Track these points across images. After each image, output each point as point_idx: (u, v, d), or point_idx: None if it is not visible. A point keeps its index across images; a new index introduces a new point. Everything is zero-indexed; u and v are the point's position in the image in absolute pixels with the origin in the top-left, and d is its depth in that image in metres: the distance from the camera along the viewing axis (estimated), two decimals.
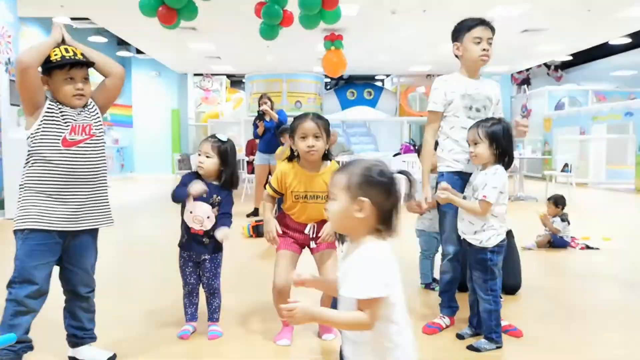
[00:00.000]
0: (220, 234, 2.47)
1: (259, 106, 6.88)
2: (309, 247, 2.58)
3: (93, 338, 2.36)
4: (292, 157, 2.50)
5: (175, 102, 15.89)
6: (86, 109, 2.27)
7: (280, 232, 2.50)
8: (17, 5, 7.37)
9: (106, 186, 2.34)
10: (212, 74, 16.80)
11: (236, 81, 18.85)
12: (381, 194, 1.36)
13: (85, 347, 2.33)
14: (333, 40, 10.04)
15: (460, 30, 2.69)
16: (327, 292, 1.50)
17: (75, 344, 2.32)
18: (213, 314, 2.67)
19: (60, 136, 2.14)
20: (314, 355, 2.44)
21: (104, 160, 2.33)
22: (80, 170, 2.18)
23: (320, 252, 2.52)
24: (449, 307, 2.78)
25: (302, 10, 5.62)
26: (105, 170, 2.34)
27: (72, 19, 10.68)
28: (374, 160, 1.44)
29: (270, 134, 6.75)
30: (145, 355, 2.44)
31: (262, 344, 2.56)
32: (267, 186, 2.56)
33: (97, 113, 2.32)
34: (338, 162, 2.65)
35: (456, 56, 2.75)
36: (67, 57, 2.20)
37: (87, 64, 2.27)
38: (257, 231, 5.45)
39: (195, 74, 16.85)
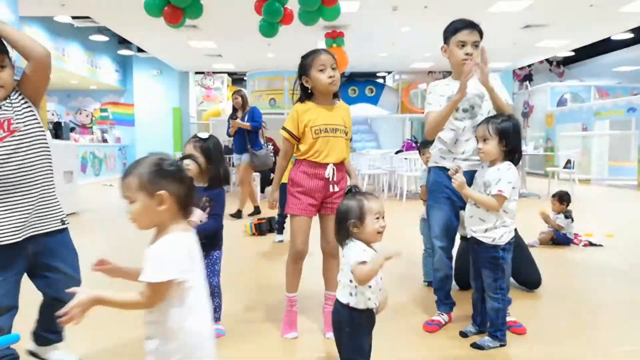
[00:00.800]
0: (195, 217, 2.34)
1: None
2: (322, 204, 2.52)
3: (62, 340, 2.26)
4: (303, 97, 2.51)
5: (177, 101, 15.89)
6: (6, 101, 1.96)
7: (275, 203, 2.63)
8: (18, 4, 7.37)
9: (49, 187, 2.06)
10: (214, 72, 16.80)
11: (237, 79, 18.85)
12: (174, 182, 1.44)
13: (53, 351, 2.24)
14: (334, 38, 10.03)
15: (447, 33, 2.66)
16: (130, 279, 1.55)
17: (43, 344, 2.23)
18: (214, 313, 2.67)
19: None
20: (318, 353, 2.43)
21: (42, 158, 2.03)
22: (6, 174, 1.90)
23: (327, 215, 2.50)
24: (445, 304, 2.79)
25: (302, 7, 5.61)
26: (46, 169, 2.05)
27: (73, 17, 10.69)
28: (156, 154, 1.50)
29: (242, 134, 6.57)
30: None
31: (267, 341, 2.56)
32: (282, 130, 2.52)
33: (24, 105, 2.00)
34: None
35: (447, 58, 2.72)
36: None
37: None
38: (260, 229, 5.45)
39: (196, 72, 16.85)
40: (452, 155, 2.67)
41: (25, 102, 2.03)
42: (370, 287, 1.76)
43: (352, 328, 1.79)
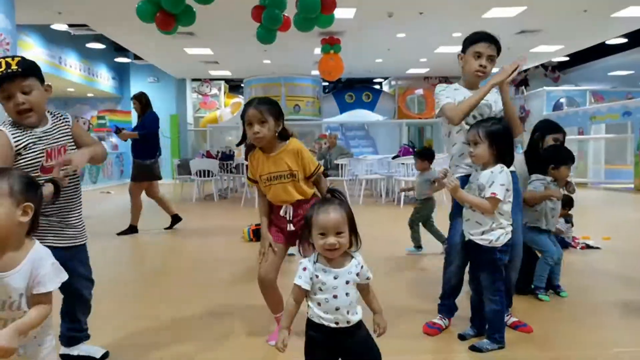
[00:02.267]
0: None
1: None
2: (291, 236, 2.54)
3: (88, 337, 2.42)
4: (250, 147, 2.61)
5: (174, 108, 15.90)
6: (55, 125, 2.17)
7: (275, 249, 2.53)
8: (14, 12, 7.38)
9: (80, 206, 2.33)
10: (210, 79, 16.84)
11: (234, 86, 18.89)
12: (37, 197, 1.54)
13: (81, 345, 2.39)
14: (332, 44, 10.08)
15: (466, 42, 2.70)
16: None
17: (71, 343, 2.37)
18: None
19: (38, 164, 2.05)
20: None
21: (78, 179, 2.29)
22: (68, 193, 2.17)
23: (304, 247, 2.51)
24: (449, 310, 2.79)
25: (302, 13, 5.63)
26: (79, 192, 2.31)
27: (70, 25, 10.71)
28: (16, 168, 1.61)
29: (145, 140, 6.04)
30: (138, 357, 2.44)
31: (256, 344, 2.55)
32: (247, 180, 2.64)
33: (68, 127, 2.23)
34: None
35: (461, 66, 2.75)
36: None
37: (23, 74, 2.01)
38: (258, 235, 5.44)
39: (193, 79, 16.88)
40: (465, 161, 2.65)
41: (68, 125, 2.24)
42: (319, 304, 1.67)
43: (306, 340, 1.74)
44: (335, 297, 1.65)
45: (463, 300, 2.86)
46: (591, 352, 2.47)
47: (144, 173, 6.03)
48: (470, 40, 2.66)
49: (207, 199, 10.12)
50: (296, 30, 6.28)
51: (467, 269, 2.72)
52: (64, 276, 1.58)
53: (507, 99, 2.62)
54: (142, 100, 6.20)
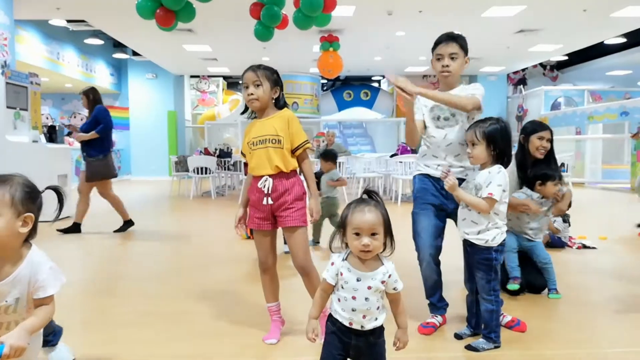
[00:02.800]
0: None
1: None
2: (272, 218, 2.53)
3: (57, 342, 2.30)
4: (251, 114, 2.60)
5: (172, 104, 15.87)
6: None
7: (237, 225, 2.60)
8: (13, 7, 7.36)
9: None
10: (209, 76, 16.80)
11: (232, 83, 18.85)
12: (37, 206, 1.55)
13: (50, 353, 2.29)
14: (331, 42, 10.06)
15: (432, 47, 2.76)
16: None
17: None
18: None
19: None
20: (298, 357, 2.44)
21: None
22: None
23: (285, 227, 2.51)
24: (439, 307, 2.81)
25: (305, 11, 5.60)
26: None
27: (69, 21, 10.68)
28: (19, 175, 1.55)
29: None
30: (128, 354, 2.44)
31: (253, 343, 2.56)
32: (240, 154, 2.62)
33: None
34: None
35: None
36: None
37: None
38: None
39: (191, 76, 16.85)
40: (436, 161, 2.71)
41: None
42: (339, 300, 1.68)
43: (325, 329, 1.75)
44: (354, 298, 1.64)
45: (458, 299, 2.86)
46: (586, 351, 2.48)
47: (100, 171, 5.79)
48: (434, 44, 2.73)
49: (205, 196, 10.12)
50: (295, 28, 6.27)
51: (462, 269, 2.72)
52: (63, 278, 1.61)
53: (431, 96, 2.61)
54: (89, 96, 5.94)
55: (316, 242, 5.07)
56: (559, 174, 3.22)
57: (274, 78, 2.49)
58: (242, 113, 2.65)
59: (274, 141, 2.43)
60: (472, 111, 2.62)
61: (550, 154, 3.37)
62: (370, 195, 1.72)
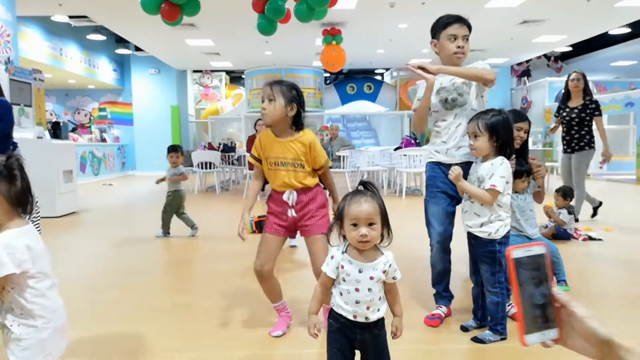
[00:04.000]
0: None
1: None
2: (294, 227, 2.54)
3: None
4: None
5: (175, 99, 15.88)
6: None
7: (245, 236, 2.50)
8: (15, 3, 7.36)
9: None
10: (212, 70, 16.79)
11: (235, 77, 18.85)
12: (4, 183, 1.55)
13: None
14: (333, 35, 10.02)
15: (436, 28, 2.71)
16: None
17: None
18: None
19: None
20: (307, 349, 2.45)
21: None
22: None
23: (309, 236, 2.51)
24: (444, 297, 2.82)
25: (312, 4, 5.56)
26: None
27: (71, 17, 10.67)
28: None
29: None
30: (141, 350, 2.46)
31: (259, 336, 2.57)
32: (249, 157, 2.59)
33: None
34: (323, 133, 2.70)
35: (436, 53, 2.75)
36: None
37: None
38: (260, 226, 5.45)
39: (194, 71, 16.85)
40: (445, 146, 2.72)
41: None
42: (341, 294, 1.67)
43: (327, 327, 1.74)
44: (357, 290, 1.64)
45: (465, 291, 2.86)
46: None
47: None
48: (443, 24, 2.67)
49: (209, 190, 10.14)
50: (297, 21, 6.25)
51: (467, 261, 2.73)
52: (7, 270, 1.51)
53: (453, 71, 2.62)
54: None
55: (166, 232, 5.41)
56: (527, 169, 3.17)
57: (291, 95, 2.42)
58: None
59: (296, 165, 2.44)
60: (492, 83, 2.60)
61: (524, 146, 3.33)
62: (366, 186, 1.72)
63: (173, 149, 5.52)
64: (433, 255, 2.79)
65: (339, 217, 1.67)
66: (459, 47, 2.62)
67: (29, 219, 1.78)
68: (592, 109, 5.50)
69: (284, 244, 2.61)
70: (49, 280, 1.63)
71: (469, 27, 2.67)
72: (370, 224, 1.61)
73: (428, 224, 2.80)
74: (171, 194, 5.42)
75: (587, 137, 5.59)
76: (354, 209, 1.62)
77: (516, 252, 0.90)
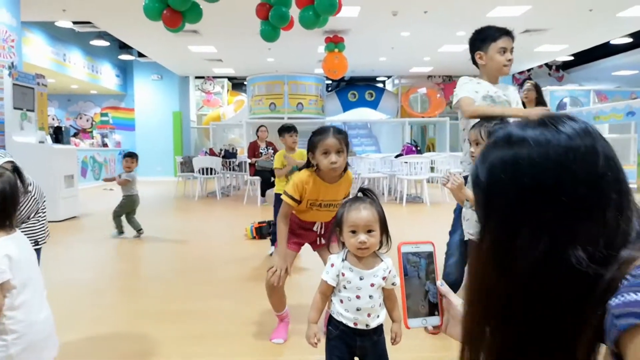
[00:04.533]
0: None
1: None
2: (313, 243, 2.64)
3: None
4: (309, 166, 2.46)
5: (177, 105, 15.92)
6: None
7: (289, 273, 2.49)
8: (20, 9, 7.40)
9: None
10: (214, 77, 16.84)
11: (237, 84, 18.90)
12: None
13: None
14: (335, 42, 10.06)
15: (484, 40, 2.74)
16: None
17: None
18: None
19: None
20: (305, 355, 2.44)
21: None
22: None
23: (323, 248, 2.61)
24: None
25: (320, 11, 5.58)
26: None
27: (75, 22, 10.73)
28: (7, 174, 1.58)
29: None
30: (142, 354, 2.45)
31: (260, 343, 2.57)
32: (284, 196, 2.47)
33: None
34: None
35: (475, 63, 2.79)
36: None
37: None
38: (260, 233, 5.46)
39: (196, 77, 16.90)
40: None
41: None
42: (341, 301, 1.67)
43: (327, 335, 1.74)
44: (358, 297, 1.64)
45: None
46: None
47: None
48: (491, 38, 2.71)
49: (210, 196, 10.14)
50: (300, 28, 6.27)
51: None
52: None
53: (499, 112, 2.63)
54: None
55: (121, 232, 5.76)
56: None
57: (348, 142, 2.43)
58: (302, 168, 2.54)
59: (336, 205, 2.47)
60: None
61: None
62: (365, 193, 1.73)
63: (129, 155, 5.96)
64: (449, 264, 2.78)
65: (338, 224, 1.68)
66: (509, 60, 2.70)
67: (35, 221, 1.79)
68: None
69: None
70: (29, 292, 1.56)
71: (514, 39, 2.75)
72: (369, 231, 1.62)
73: (451, 231, 2.81)
74: (125, 197, 5.79)
75: None
76: (352, 216, 1.63)
77: (405, 247, 1.00)
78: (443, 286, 1.01)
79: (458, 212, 2.81)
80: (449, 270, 2.78)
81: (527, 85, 5.44)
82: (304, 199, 2.46)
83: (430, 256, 1.02)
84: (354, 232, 1.62)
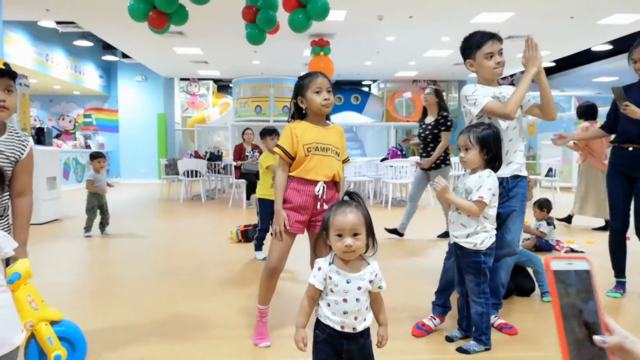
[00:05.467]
0: None
1: None
2: (314, 219, 2.52)
3: None
4: (296, 116, 2.56)
5: (162, 107, 15.81)
6: (10, 141, 2.08)
7: (289, 228, 2.45)
8: (1, 8, 7.29)
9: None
10: (199, 79, 16.76)
11: (223, 86, 18.83)
12: None
13: None
14: (321, 46, 10.09)
15: (470, 48, 2.76)
16: None
17: None
18: None
19: None
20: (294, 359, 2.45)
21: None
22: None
23: (316, 233, 2.46)
24: (442, 306, 2.83)
25: (313, 15, 5.58)
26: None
27: (58, 22, 10.60)
28: None
29: None
30: (122, 355, 2.44)
31: (246, 344, 2.56)
32: (277, 149, 2.50)
33: (21, 153, 2.12)
34: None
35: (474, 72, 2.82)
36: None
37: (10, 74, 2.03)
38: (246, 236, 5.44)
39: (181, 79, 16.80)
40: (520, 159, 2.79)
41: (19, 152, 2.14)
42: (328, 305, 1.68)
43: (314, 338, 1.74)
44: (345, 300, 1.65)
45: (452, 302, 2.88)
46: None
47: None
48: (476, 45, 2.73)
49: (195, 199, 10.08)
50: (286, 31, 6.27)
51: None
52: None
53: (545, 82, 2.70)
54: None
55: (87, 232, 5.88)
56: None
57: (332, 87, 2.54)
58: (290, 120, 2.58)
59: (334, 152, 2.51)
60: (506, 117, 2.67)
61: None
62: (351, 197, 1.74)
63: (95, 155, 6.19)
64: (449, 262, 2.78)
65: (325, 227, 1.69)
66: (497, 63, 2.71)
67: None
68: (441, 124, 5.31)
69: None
70: None
71: (501, 40, 2.76)
72: (355, 235, 1.63)
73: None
74: (92, 195, 5.96)
75: (442, 154, 5.33)
76: (339, 220, 1.64)
77: (555, 263, 0.80)
78: (612, 324, 0.85)
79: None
80: (447, 267, 2.82)
81: (427, 89, 5.44)
82: (299, 147, 2.45)
83: (587, 275, 0.80)
84: (340, 235, 1.63)
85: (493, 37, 2.73)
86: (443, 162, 5.36)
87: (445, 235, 5.46)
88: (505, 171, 2.69)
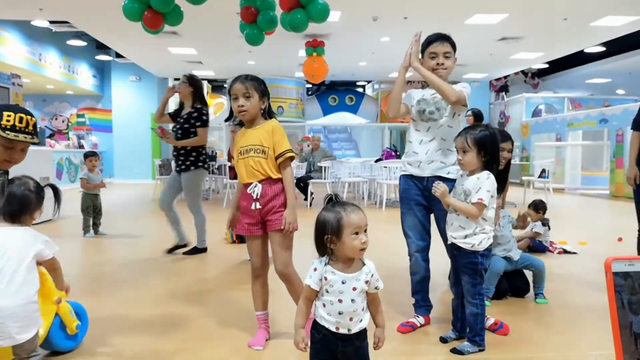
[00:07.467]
0: None
1: None
2: (263, 223, 2.52)
3: None
4: (232, 118, 2.61)
5: (155, 107, 15.71)
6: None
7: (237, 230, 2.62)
8: None
9: None
10: None
11: (217, 86, 18.78)
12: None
13: None
14: (315, 47, 10.09)
15: (422, 46, 2.83)
16: None
17: None
18: None
19: None
20: None
21: None
22: None
23: (272, 231, 2.52)
24: (422, 306, 2.89)
25: (315, 18, 5.56)
26: None
27: (51, 22, 10.54)
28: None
29: None
30: (112, 356, 2.42)
31: (239, 345, 2.56)
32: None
33: None
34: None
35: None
36: (18, 128, 2.29)
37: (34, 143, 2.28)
38: (241, 237, 5.43)
39: (175, 79, 16.74)
40: (418, 159, 2.80)
41: None
42: (324, 305, 1.68)
43: (310, 339, 1.74)
44: (340, 301, 1.65)
45: (444, 303, 2.90)
46: (565, 354, 2.53)
47: None
48: (425, 43, 2.80)
49: None
50: (281, 32, 6.26)
51: (447, 274, 2.76)
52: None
53: (424, 74, 2.75)
54: None
55: (87, 233, 5.95)
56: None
57: (262, 89, 2.52)
58: (227, 120, 2.68)
59: (257, 151, 2.48)
60: (455, 105, 2.70)
61: (507, 166, 3.50)
62: (336, 198, 1.76)
63: (89, 154, 6.42)
64: (412, 264, 2.88)
65: (336, 231, 1.65)
66: (438, 64, 2.74)
67: None
68: (195, 118, 4.60)
69: (267, 241, 2.60)
70: None
71: (452, 44, 2.77)
72: (365, 230, 1.68)
73: (406, 235, 2.90)
74: (86, 195, 6.19)
75: (193, 153, 4.67)
76: (354, 218, 1.65)
77: (616, 265, 0.69)
78: None
79: (405, 213, 2.89)
80: (412, 270, 2.90)
81: (181, 78, 4.93)
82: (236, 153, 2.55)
83: None
84: (357, 233, 1.65)
85: (442, 38, 2.77)
86: (194, 164, 4.82)
87: None
88: (425, 171, 2.78)
